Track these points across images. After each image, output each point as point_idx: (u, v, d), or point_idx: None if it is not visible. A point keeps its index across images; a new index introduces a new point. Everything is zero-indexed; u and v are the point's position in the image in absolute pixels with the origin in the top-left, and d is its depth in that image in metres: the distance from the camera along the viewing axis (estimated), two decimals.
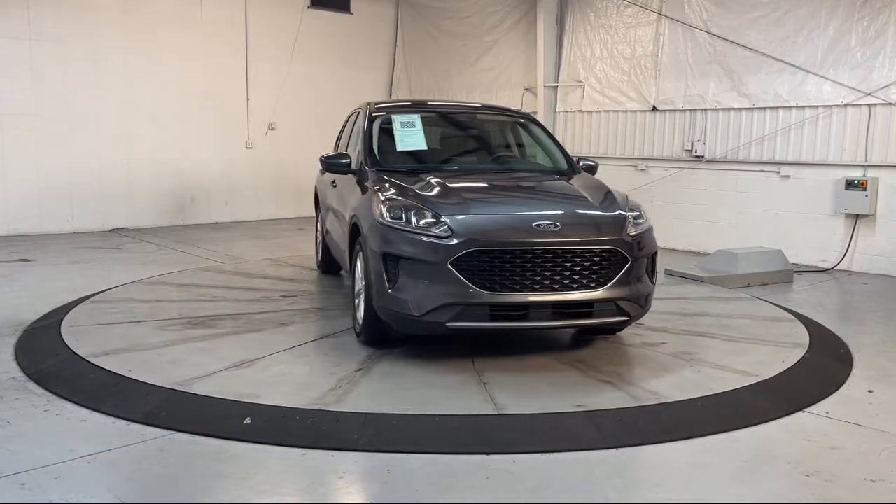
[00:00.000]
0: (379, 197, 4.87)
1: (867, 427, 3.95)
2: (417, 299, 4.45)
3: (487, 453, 3.52)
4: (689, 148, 9.99)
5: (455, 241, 4.41)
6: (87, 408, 3.96)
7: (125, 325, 5.47)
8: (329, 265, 7.51)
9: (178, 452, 3.48)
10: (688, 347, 5.22)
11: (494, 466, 3.40)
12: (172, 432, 3.67)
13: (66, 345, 4.92)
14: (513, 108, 7.62)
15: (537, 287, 4.48)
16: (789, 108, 9.00)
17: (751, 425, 3.93)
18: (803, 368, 4.85)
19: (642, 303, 4.85)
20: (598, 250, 4.60)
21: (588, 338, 5.39)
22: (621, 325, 5.15)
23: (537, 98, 11.64)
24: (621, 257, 4.67)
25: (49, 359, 4.75)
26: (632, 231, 4.79)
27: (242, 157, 12.18)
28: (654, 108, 10.35)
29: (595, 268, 4.59)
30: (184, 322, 5.56)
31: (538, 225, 4.57)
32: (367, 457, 3.47)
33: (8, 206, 10.02)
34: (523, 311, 4.51)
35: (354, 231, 5.24)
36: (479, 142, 6.66)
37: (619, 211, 4.92)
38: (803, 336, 5.57)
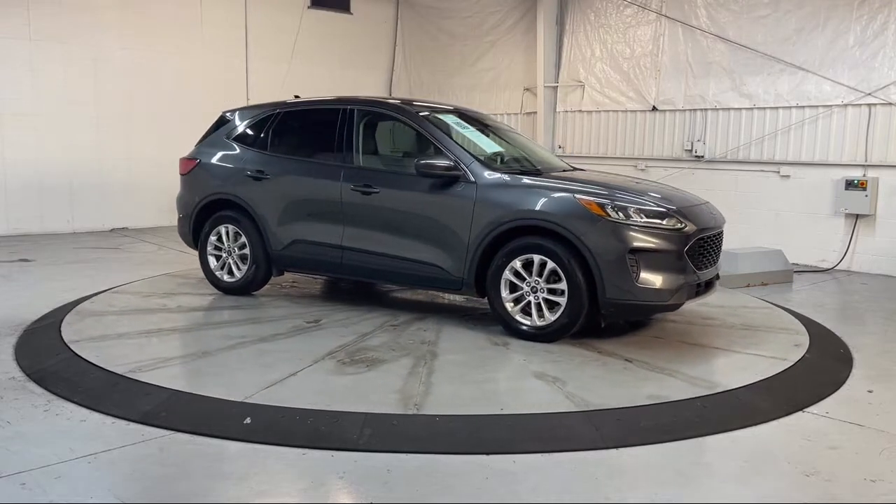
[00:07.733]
0: (593, 198, 5.07)
1: (867, 427, 3.95)
2: (665, 286, 4.96)
3: (487, 453, 3.52)
4: (689, 148, 9.99)
5: (688, 230, 5.02)
6: (87, 408, 3.96)
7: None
8: (255, 286, 6.40)
9: (178, 452, 3.48)
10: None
11: (494, 466, 3.40)
12: (172, 432, 3.67)
13: (66, 345, 4.91)
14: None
15: (710, 265, 5.38)
16: (789, 107, 9.01)
17: (751, 425, 3.93)
18: (803, 368, 4.85)
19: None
20: (722, 232, 5.62)
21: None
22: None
23: (537, 98, 11.64)
24: (721, 238, 5.64)
25: (49, 359, 4.75)
26: None
27: None
28: (654, 108, 10.35)
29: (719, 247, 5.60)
30: (338, 361, 4.68)
31: (711, 213, 5.46)
32: (367, 457, 3.47)
33: (8, 206, 10.01)
34: (701, 286, 5.25)
35: (500, 239, 5.19)
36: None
37: None
38: (803, 336, 5.57)
